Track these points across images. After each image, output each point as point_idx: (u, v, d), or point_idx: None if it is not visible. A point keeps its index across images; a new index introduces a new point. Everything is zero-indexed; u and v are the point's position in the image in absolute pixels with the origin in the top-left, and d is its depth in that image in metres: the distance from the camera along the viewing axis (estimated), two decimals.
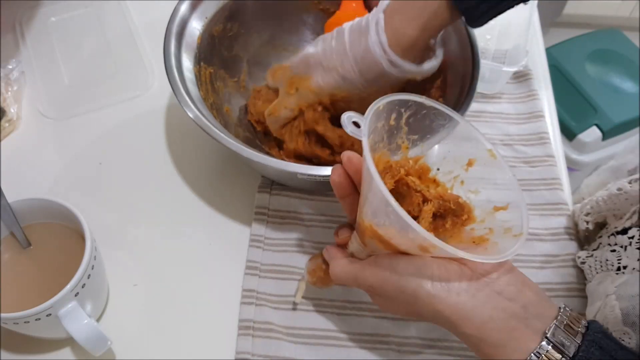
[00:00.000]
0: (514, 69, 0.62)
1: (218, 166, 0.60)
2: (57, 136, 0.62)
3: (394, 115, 0.39)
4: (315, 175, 0.48)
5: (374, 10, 0.48)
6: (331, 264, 0.42)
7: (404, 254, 0.37)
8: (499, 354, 0.35)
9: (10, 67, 0.65)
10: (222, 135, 0.48)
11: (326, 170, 0.47)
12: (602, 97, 1.20)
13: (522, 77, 0.68)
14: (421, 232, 0.32)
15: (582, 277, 0.53)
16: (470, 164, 0.41)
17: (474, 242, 0.38)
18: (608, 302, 0.44)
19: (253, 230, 0.55)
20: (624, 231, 0.48)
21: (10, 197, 0.46)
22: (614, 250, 0.48)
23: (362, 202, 0.39)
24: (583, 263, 0.52)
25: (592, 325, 0.35)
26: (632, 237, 0.46)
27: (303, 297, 0.51)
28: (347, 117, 0.38)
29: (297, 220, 0.56)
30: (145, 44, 0.69)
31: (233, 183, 0.59)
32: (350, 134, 0.37)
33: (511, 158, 0.62)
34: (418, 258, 0.36)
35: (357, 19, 0.50)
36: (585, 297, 0.51)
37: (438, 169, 0.42)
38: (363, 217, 0.38)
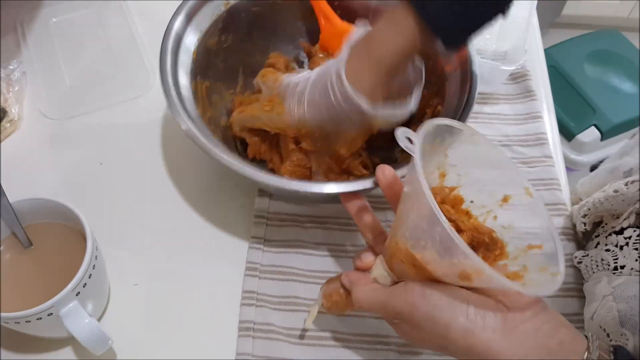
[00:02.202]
0: (512, 68, 0.62)
1: (219, 167, 0.60)
2: (58, 136, 0.62)
3: (438, 139, 0.39)
4: (312, 193, 0.48)
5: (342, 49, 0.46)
6: (354, 289, 0.41)
7: (437, 282, 0.36)
8: None
9: (11, 67, 0.65)
10: (220, 153, 0.48)
11: (321, 188, 0.47)
12: (601, 97, 1.20)
13: (520, 77, 0.69)
14: (472, 257, 0.31)
15: (580, 277, 0.53)
16: (505, 200, 0.40)
17: (507, 277, 0.36)
18: (605, 304, 0.44)
19: (253, 232, 0.55)
20: (621, 231, 0.48)
21: (12, 197, 0.46)
22: (609, 250, 0.49)
23: (398, 222, 0.38)
24: (580, 263, 0.52)
25: (619, 351, 0.35)
26: (629, 238, 0.47)
27: (302, 298, 0.51)
28: (402, 132, 0.37)
29: (296, 222, 0.56)
30: (146, 45, 0.69)
31: (234, 184, 0.59)
32: (405, 148, 0.36)
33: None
34: (453, 288, 0.35)
35: (325, 64, 0.49)
36: (583, 297, 0.51)
37: (472, 202, 0.41)
38: (398, 239, 0.37)
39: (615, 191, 0.49)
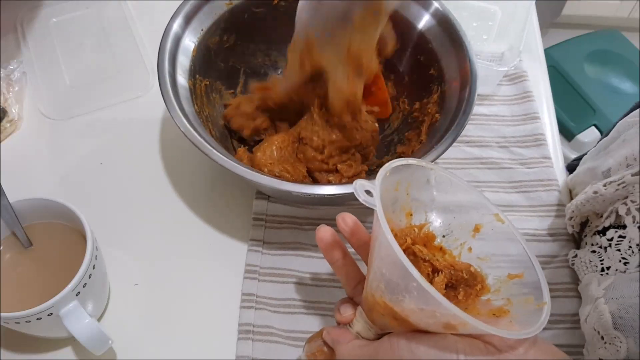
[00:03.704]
0: (505, 69, 0.62)
1: (218, 169, 0.60)
2: (58, 136, 0.62)
3: (397, 181, 0.38)
4: (308, 194, 0.48)
5: None
6: (337, 348, 0.39)
7: (422, 331, 0.35)
8: None
9: (11, 67, 0.65)
10: (218, 154, 0.48)
11: (320, 189, 0.47)
12: (601, 97, 1.20)
13: (517, 78, 0.68)
14: (454, 311, 0.30)
15: (577, 277, 0.53)
16: (477, 229, 0.39)
17: (494, 314, 0.36)
18: (598, 306, 0.44)
19: (252, 234, 0.55)
20: (603, 231, 0.48)
21: (12, 197, 0.46)
22: (595, 252, 0.49)
23: (371, 275, 0.36)
24: (573, 264, 0.52)
25: None
26: (611, 239, 0.47)
27: (301, 300, 0.51)
28: (360, 186, 0.35)
29: (295, 224, 0.56)
30: (146, 45, 0.69)
31: (233, 186, 0.59)
32: (364, 202, 0.35)
33: (507, 160, 0.62)
34: (440, 337, 0.34)
35: None
36: (581, 297, 0.52)
37: (444, 236, 0.40)
38: (373, 292, 0.36)
39: (595, 192, 0.49)
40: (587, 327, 0.46)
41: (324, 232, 0.40)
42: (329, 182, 0.54)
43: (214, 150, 0.48)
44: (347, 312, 0.41)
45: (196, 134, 0.49)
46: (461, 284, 0.37)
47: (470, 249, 0.40)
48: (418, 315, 0.34)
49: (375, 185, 0.35)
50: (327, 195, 0.47)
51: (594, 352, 0.43)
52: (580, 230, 0.55)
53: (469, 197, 0.39)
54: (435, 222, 0.40)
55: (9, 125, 0.61)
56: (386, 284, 0.34)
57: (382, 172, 0.36)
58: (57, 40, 0.70)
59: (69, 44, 0.70)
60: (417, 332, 0.35)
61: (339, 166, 0.55)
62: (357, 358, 0.38)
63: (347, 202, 0.58)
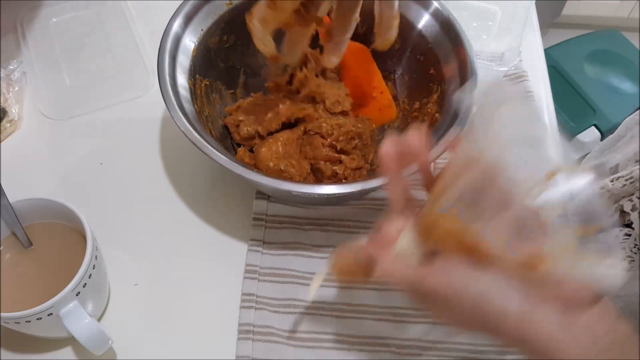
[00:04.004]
0: (505, 69, 0.62)
1: (218, 169, 0.60)
2: (58, 136, 0.62)
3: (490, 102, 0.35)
4: (308, 193, 0.48)
5: None
6: (381, 259, 0.37)
7: (483, 263, 0.33)
8: None
9: (11, 67, 0.65)
10: (218, 154, 0.48)
11: (320, 189, 0.47)
12: (601, 97, 1.20)
13: (517, 78, 0.68)
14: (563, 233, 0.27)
15: None
16: (551, 176, 0.35)
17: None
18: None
19: (252, 234, 0.55)
20: None
21: (12, 197, 0.46)
22: None
23: (443, 190, 0.34)
24: None
25: None
26: (616, 237, 0.47)
27: (302, 300, 0.51)
28: (458, 95, 0.33)
29: (295, 224, 0.56)
30: (146, 45, 0.69)
31: (233, 185, 0.59)
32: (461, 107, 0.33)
33: None
34: (503, 272, 0.32)
35: None
36: None
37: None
38: (439, 215, 0.34)
39: (602, 188, 0.49)
40: None
41: (389, 144, 0.38)
42: (334, 173, 0.55)
43: (214, 150, 0.48)
44: (393, 229, 0.38)
45: (196, 134, 0.49)
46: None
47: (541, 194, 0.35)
48: (496, 246, 0.31)
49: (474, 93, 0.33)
50: (327, 194, 0.47)
51: None
52: None
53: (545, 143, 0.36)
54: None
55: (9, 125, 0.61)
56: (466, 200, 0.31)
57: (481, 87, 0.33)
58: (57, 40, 0.70)
59: (69, 44, 0.70)
60: (479, 261, 0.33)
61: (343, 157, 0.55)
62: (403, 278, 0.36)
63: (347, 202, 0.58)
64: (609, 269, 0.31)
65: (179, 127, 0.49)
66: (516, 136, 0.33)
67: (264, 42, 0.49)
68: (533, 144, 0.34)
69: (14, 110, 0.62)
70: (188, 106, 0.52)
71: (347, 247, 0.42)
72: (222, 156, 0.48)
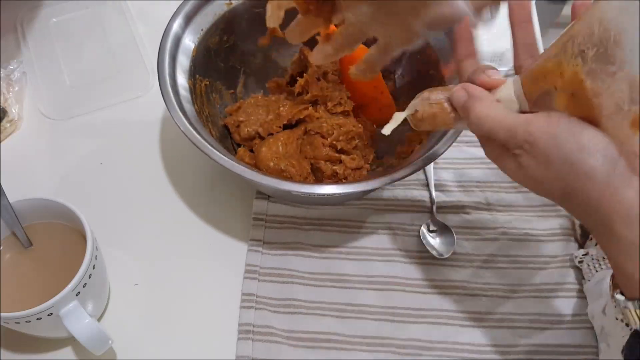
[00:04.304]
0: (505, 69, 0.63)
1: (218, 169, 0.60)
2: (58, 136, 0.62)
3: None
4: (308, 193, 0.48)
5: None
6: (477, 104, 0.36)
7: (588, 122, 0.31)
8: None
9: (11, 67, 0.65)
10: (218, 154, 0.48)
11: (320, 189, 0.47)
12: None
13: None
14: None
15: (580, 277, 0.53)
16: None
17: None
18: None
19: (252, 234, 0.55)
20: None
21: (12, 197, 0.46)
22: None
23: (576, 37, 0.31)
24: (581, 262, 0.52)
25: None
26: None
27: (302, 300, 0.51)
28: None
29: (295, 224, 0.56)
30: (146, 45, 0.69)
31: (233, 185, 0.59)
32: None
33: None
34: (606, 136, 0.31)
35: None
36: (583, 298, 0.51)
37: None
38: (565, 58, 0.31)
39: None
40: (606, 319, 0.45)
41: None
42: (334, 173, 0.55)
43: (214, 150, 0.48)
44: (496, 75, 0.36)
45: (196, 134, 0.49)
46: None
47: None
48: (616, 97, 0.29)
49: None
50: (327, 194, 0.47)
51: (616, 341, 0.43)
52: (586, 231, 0.54)
53: None
54: None
55: (9, 125, 0.61)
56: (604, 48, 0.29)
57: None
58: (57, 40, 0.70)
59: (69, 44, 0.70)
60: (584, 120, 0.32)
61: (343, 157, 0.55)
62: (499, 118, 0.35)
63: (347, 201, 0.58)
64: None
65: (179, 127, 0.49)
66: None
67: (276, 10, 0.47)
68: None
69: (14, 110, 0.62)
70: (188, 106, 0.52)
71: (434, 92, 0.40)
72: (222, 156, 0.48)
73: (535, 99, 0.35)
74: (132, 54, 0.69)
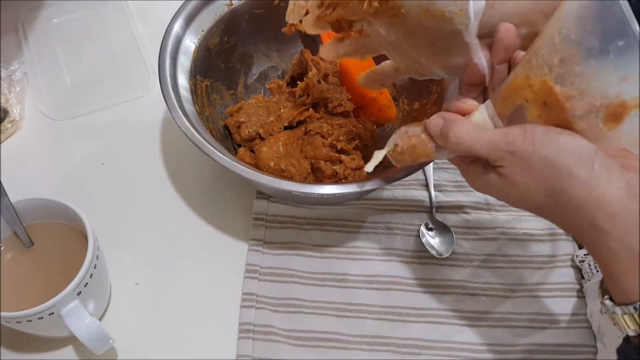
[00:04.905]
0: None
1: (219, 169, 0.60)
2: (59, 137, 0.63)
3: None
4: (308, 193, 0.48)
5: None
6: (454, 125, 0.37)
7: (561, 128, 0.33)
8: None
9: (13, 68, 0.65)
10: (219, 154, 0.48)
11: (320, 189, 0.47)
12: None
13: None
14: None
15: (579, 277, 0.53)
16: None
17: None
18: None
19: (252, 234, 0.55)
20: None
21: (13, 197, 0.46)
22: None
23: (539, 51, 0.33)
24: (582, 262, 0.52)
25: None
26: None
27: (302, 299, 0.51)
28: None
29: (295, 224, 0.56)
30: (147, 45, 0.70)
31: (234, 185, 0.59)
32: None
33: None
34: (581, 138, 0.33)
35: None
36: (582, 297, 0.52)
37: None
38: (531, 71, 0.33)
39: None
40: (604, 319, 0.45)
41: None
42: (334, 173, 0.55)
43: (215, 150, 0.48)
44: (470, 101, 0.38)
45: (197, 134, 0.49)
46: None
47: None
48: (588, 94, 0.31)
49: None
50: (327, 194, 0.47)
51: (612, 342, 0.43)
52: None
53: None
54: None
55: (10, 125, 0.62)
56: (562, 52, 0.31)
57: None
58: (58, 41, 0.70)
59: (69, 44, 0.70)
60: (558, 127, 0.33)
61: (343, 157, 0.55)
62: (477, 136, 0.36)
63: (347, 201, 0.58)
64: None
65: (180, 128, 0.49)
66: None
67: (298, 8, 0.45)
68: None
69: (15, 111, 0.62)
70: (189, 107, 0.52)
71: (410, 126, 0.41)
72: (223, 156, 0.48)
73: (509, 116, 0.36)
74: (132, 54, 0.69)
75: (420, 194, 0.59)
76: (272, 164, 0.54)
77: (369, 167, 0.44)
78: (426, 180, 0.59)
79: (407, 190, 0.59)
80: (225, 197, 0.58)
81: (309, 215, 0.57)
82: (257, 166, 0.55)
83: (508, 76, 0.37)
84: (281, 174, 0.53)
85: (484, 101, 0.39)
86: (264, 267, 0.53)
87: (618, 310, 0.33)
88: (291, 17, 0.45)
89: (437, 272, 0.54)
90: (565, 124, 0.33)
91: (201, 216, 0.57)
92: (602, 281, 0.36)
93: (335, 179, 0.55)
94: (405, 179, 0.50)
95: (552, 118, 0.33)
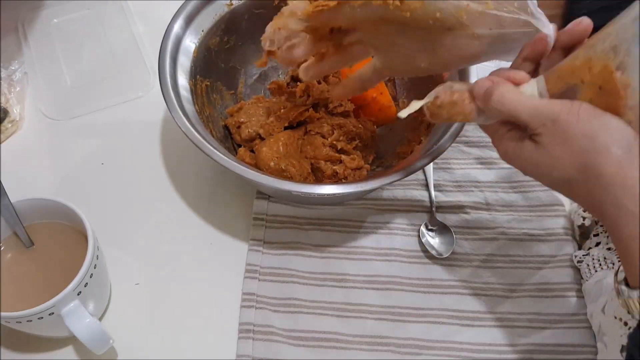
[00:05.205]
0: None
1: (219, 168, 0.60)
2: (59, 137, 0.62)
3: None
4: (308, 193, 0.48)
5: None
6: (501, 87, 0.37)
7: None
8: None
9: (13, 68, 0.65)
10: (219, 154, 0.48)
11: (319, 189, 0.47)
12: None
13: None
14: None
15: (579, 277, 0.53)
16: None
17: None
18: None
19: (252, 234, 0.55)
20: None
21: (13, 197, 0.46)
22: (611, 249, 0.49)
23: (607, 36, 0.34)
24: (580, 262, 0.52)
25: None
26: None
27: (302, 299, 0.51)
28: None
29: (295, 224, 0.56)
30: (147, 45, 0.70)
31: (233, 186, 0.59)
32: None
33: None
34: (626, 123, 0.33)
35: None
36: (582, 297, 0.52)
37: None
38: (595, 53, 0.34)
39: None
40: (605, 318, 0.45)
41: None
42: (334, 173, 0.55)
43: (215, 150, 0.48)
44: (521, 73, 0.38)
45: (197, 134, 0.49)
46: None
47: None
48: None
49: None
50: (326, 194, 0.47)
51: (614, 341, 0.43)
52: (589, 226, 0.55)
53: None
54: None
55: (10, 125, 0.62)
56: (631, 45, 0.32)
57: None
58: (58, 41, 0.70)
59: (70, 44, 0.70)
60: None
61: (343, 157, 0.55)
62: (520, 102, 0.36)
63: (347, 201, 0.58)
64: None
65: (180, 128, 0.49)
66: None
67: (276, 33, 0.46)
68: None
69: (15, 111, 0.62)
70: (189, 107, 0.52)
71: (456, 83, 0.41)
72: (223, 156, 0.48)
73: (559, 95, 0.36)
74: (132, 54, 0.69)
75: (420, 194, 0.59)
76: (272, 164, 0.54)
77: (403, 114, 0.42)
78: (426, 180, 0.59)
79: (407, 190, 0.59)
80: (225, 197, 0.58)
81: (309, 215, 0.57)
82: (257, 166, 0.55)
83: (566, 57, 0.37)
84: (281, 174, 0.53)
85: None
86: (264, 267, 0.53)
87: (635, 294, 0.33)
88: (267, 44, 0.45)
89: (437, 272, 0.54)
90: (615, 111, 0.34)
91: (201, 216, 0.57)
92: (616, 273, 0.36)
93: (335, 179, 0.55)
94: (405, 179, 0.50)
95: (604, 103, 0.34)
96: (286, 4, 0.45)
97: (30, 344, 0.49)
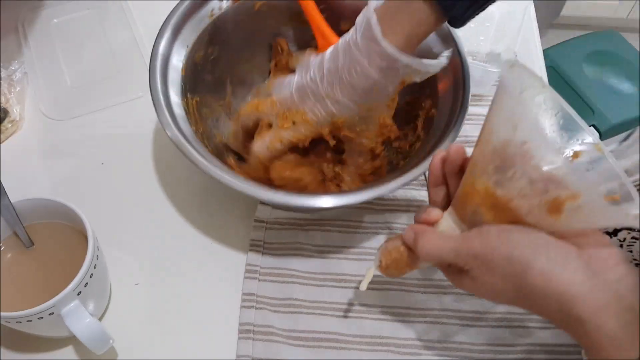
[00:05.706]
0: (499, 70, 0.63)
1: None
2: (59, 137, 0.62)
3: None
4: (307, 207, 0.48)
5: (361, 14, 0.46)
6: (421, 240, 0.40)
7: (514, 224, 0.35)
8: (614, 347, 0.32)
9: (13, 68, 0.65)
10: (225, 176, 0.48)
11: (318, 201, 0.47)
12: (600, 98, 1.21)
13: None
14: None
15: None
16: (575, 156, 0.35)
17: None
18: None
19: (252, 235, 0.55)
20: (615, 232, 0.48)
21: (13, 196, 0.46)
22: None
23: (477, 160, 0.37)
24: None
25: None
26: (624, 240, 0.47)
27: (302, 300, 0.51)
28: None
29: (295, 225, 0.56)
30: (147, 45, 0.70)
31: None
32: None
33: None
34: (532, 230, 0.35)
35: (340, 40, 0.48)
36: None
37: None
38: (475, 180, 0.37)
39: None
40: None
41: (438, 154, 0.42)
42: (335, 175, 0.55)
43: (219, 171, 0.47)
44: (434, 212, 0.41)
45: (203, 159, 0.48)
46: None
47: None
48: (524, 197, 0.34)
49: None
50: (325, 207, 0.47)
51: None
52: None
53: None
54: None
55: (10, 125, 0.62)
56: (497, 159, 0.35)
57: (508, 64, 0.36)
58: (58, 41, 0.70)
59: (70, 44, 0.70)
60: (511, 224, 0.36)
61: (344, 157, 0.55)
62: (441, 246, 0.38)
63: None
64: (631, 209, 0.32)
65: (188, 158, 0.48)
66: (543, 118, 0.35)
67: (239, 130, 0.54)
68: (560, 126, 0.35)
69: (15, 111, 0.62)
70: (183, 122, 0.51)
71: (390, 241, 0.44)
72: (227, 176, 0.47)
73: (469, 219, 0.39)
74: (132, 54, 0.69)
75: (420, 194, 0.59)
76: (287, 173, 0.54)
77: (363, 286, 0.46)
78: (426, 180, 0.59)
79: (407, 190, 0.59)
80: (226, 198, 0.58)
81: (309, 216, 0.57)
82: (271, 176, 0.54)
83: (460, 183, 0.40)
84: (297, 183, 0.53)
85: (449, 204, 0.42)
86: (264, 267, 0.53)
87: None
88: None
89: (437, 272, 0.54)
90: (517, 221, 0.36)
91: (202, 216, 0.57)
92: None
93: (338, 180, 0.55)
94: None
95: (504, 218, 0.36)
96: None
97: (30, 344, 0.49)
